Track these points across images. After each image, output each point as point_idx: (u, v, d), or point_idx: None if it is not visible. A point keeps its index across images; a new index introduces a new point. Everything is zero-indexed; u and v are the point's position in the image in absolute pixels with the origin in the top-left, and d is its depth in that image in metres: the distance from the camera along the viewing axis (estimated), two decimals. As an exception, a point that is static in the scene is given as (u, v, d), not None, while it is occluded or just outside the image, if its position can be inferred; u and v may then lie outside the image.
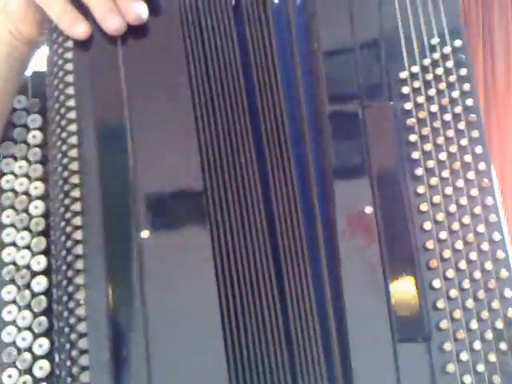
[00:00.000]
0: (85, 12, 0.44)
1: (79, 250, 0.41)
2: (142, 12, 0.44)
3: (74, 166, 0.42)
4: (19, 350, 0.44)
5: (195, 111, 0.44)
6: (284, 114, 0.45)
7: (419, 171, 0.44)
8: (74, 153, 0.43)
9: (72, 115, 0.43)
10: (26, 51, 0.48)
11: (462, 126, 0.45)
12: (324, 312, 0.42)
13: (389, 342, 0.41)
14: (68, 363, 0.39)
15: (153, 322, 0.39)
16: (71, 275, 0.40)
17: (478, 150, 0.45)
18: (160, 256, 0.40)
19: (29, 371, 0.43)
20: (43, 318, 0.44)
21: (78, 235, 0.42)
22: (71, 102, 0.43)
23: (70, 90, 0.43)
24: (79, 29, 0.44)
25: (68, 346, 0.39)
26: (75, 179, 0.42)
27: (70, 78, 0.44)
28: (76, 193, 0.43)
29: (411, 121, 0.45)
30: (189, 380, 0.39)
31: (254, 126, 0.45)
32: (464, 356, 0.41)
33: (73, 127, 0.43)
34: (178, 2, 0.45)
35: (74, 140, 0.44)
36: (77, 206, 0.42)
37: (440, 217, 0.43)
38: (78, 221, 0.42)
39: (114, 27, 0.44)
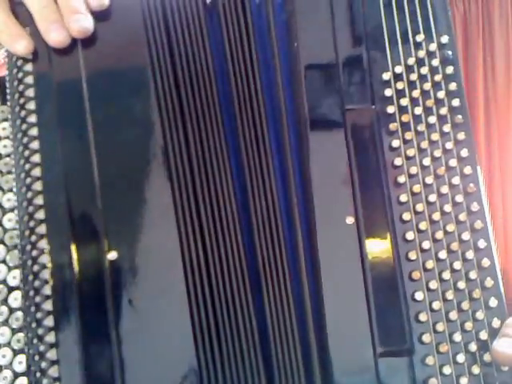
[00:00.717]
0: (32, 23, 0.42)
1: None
2: (85, 24, 0.41)
3: (38, 185, 0.41)
4: (0, 368, 0.44)
5: (162, 117, 0.42)
6: (264, 122, 0.43)
7: (402, 178, 0.42)
8: (37, 172, 0.42)
9: (34, 132, 0.41)
10: None
11: (447, 128, 0.43)
12: (304, 325, 0.41)
13: (370, 356, 0.40)
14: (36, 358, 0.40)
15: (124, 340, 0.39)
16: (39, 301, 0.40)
17: (464, 153, 0.43)
18: (129, 276, 0.39)
19: (10, 389, 0.43)
20: (21, 335, 0.44)
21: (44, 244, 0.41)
22: (32, 119, 0.41)
23: (32, 106, 0.41)
24: (20, 45, 0.42)
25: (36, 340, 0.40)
26: (39, 200, 0.40)
27: (31, 105, 0.43)
28: (40, 213, 0.42)
29: (394, 125, 0.43)
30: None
31: (230, 133, 0.43)
32: (447, 370, 0.40)
33: (35, 145, 0.41)
34: (141, 2, 0.42)
35: (36, 158, 0.42)
36: (40, 214, 0.42)
37: (423, 225, 0.42)
38: (43, 229, 0.41)
39: (56, 40, 0.41)
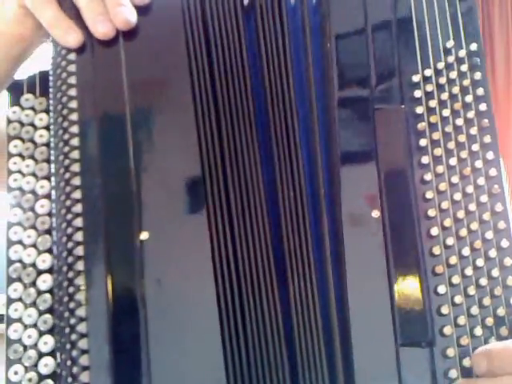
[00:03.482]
0: (78, 18, 0.44)
1: (80, 251, 0.41)
2: (129, 17, 0.44)
3: (76, 167, 0.42)
4: (25, 347, 0.45)
5: (196, 111, 0.44)
6: (295, 117, 0.45)
7: (428, 176, 0.43)
8: (75, 154, 0.44)
9: (74, 117, 0.43)
10: (21, 51, 0.49)
11: (474, 131, 0.44)
12: (328, 315, 0.42)
13: (391, 346, 0.40)
14: (69, 363, 0.40)
15: (153, 325, 0.40)
16: (72, 276, 0.41)
17: (490, 155, 0.44)
18: (159, 258, 0.41)
19: (34, 368, 0.44)
20: (48, 316, 0.45)
21: (79, 236, 0.42)
22: (73, 104, 0.43)
23: (73, 92, 0.43)
24: (71, 38, 0.44)
25: (69, 345, 0.40)
26: (76, 180, 0.42)
27: (73, 92, 0.45)
28: (77, 194, 0.43)
29: (422, 125, 0.44)
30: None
31: (261, 127, 0.44)
32: (467, 362, 0.40)
33: (74, 129, 0.43)
34: (182, 2, 0.45)
35: (75, 142, 0.44)
36: (78, 208, 0.43)
37: (447, 222, 0.42)
38: (78, 222, 0.42)
39: (102, 32, 0.44)
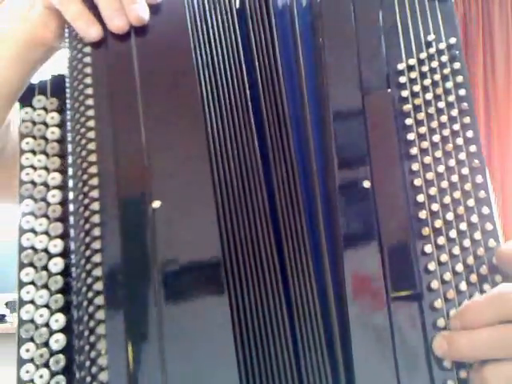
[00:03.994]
0: (96, 14, 0.49)
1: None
2: (142, 13, 0.48)
3: (94, 169, 0.46)
4: (36, 326, 0.46)
5: (203, 100, 0.48)
6: (287, 110, 0.49)
7: (414, 151, 0.47)
8: (92, 146, 0.48)
9: (90, 102, 0.47)
10: (41, 55, 0.53)
11: (454, 113, 0.48)
12: (323, 280, 0.45)
13: (384, 300, 0.43)
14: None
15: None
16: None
17: (470, 134, 0.48)
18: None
19: (45, 344, 0.46)
20: (59, 296, 0.47)
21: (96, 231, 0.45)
22: (90, 101, 0.47)
23: (89, 91, 0.48)
24: (93, 30, 0.49)
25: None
26: (94, 180, 0.46)
27: (88, 80, 0.49)
28: (94, 181, 0.47)
29: (407, 107, 0.48)
30: None
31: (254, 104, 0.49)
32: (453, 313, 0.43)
33: (90, 112, 0.47)
34: (187, 2, 0.50)
35: (92, 134, 0.48)
36: (95, 193, 0.46)
37: (433, 191, 0.46)
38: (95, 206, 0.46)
39: (117, 26, 0.48)
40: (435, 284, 0.43)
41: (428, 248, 0.44)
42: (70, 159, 0.49)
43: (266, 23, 0.51)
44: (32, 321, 0.47)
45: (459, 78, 0.50)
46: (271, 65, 0.49)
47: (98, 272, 0.44)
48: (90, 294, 0.44)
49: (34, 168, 0.52)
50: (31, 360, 0.46)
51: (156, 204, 0.44)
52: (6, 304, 2.49)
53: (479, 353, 0.41)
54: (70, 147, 0.49)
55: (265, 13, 0.51)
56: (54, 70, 0.55)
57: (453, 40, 0.51)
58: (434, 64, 0.50)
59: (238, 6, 0.52)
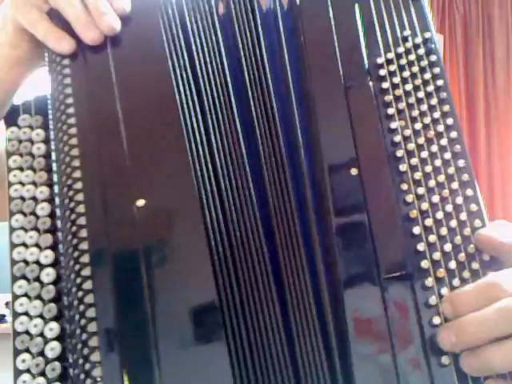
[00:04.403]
0: (68, 30, 0.51)
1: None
2: (113, 23, 0.50)
3: (78, 184, 0.48)
4: (31, 336, 0.47)
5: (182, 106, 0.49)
6: (274, 104, 0.50)
7: (397, 138, 0.49)
8: (75, 151, 0.49)
9: (71, 110, 0.48)
10: (18, 74, 0.55)
11: (434, 102, 0.50)
12: (315, 271, 0.45)
13: (377, 280, 0.44)
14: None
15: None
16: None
17: (450, 121, 0.50)
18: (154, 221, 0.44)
19: (41, 353, 0.46)
20: (52, 305, 0.47)
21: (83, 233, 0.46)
22: (70, 100, 0.48)
23: (68, 90, 0.49)
24: (64, 45, 0.50)
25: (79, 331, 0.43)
26: (79, 196, 0.47)
27: (68, 90, 0.50)
28: (79, 188, 0.48)
29: (388, 97, 0.50)
30: None
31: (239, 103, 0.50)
32: (445, 291, 0.44)
33: (72, 120, 0.48)
34: (160, 10, 0.51)
35: (75, 152, 0.49)
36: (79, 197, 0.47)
37: (417, 176, 0.47)
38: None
39: (91, 38, 0.50)
40: (425, 263, 0.44)
41: (416, 229, 0.45)
42: (55, 177, 0.50)
43: (253, 27, 0.52)
44: (27, 332, 0.47)
45: (436, 70, 0.51)
46: (259, 68, 0.51)
47: (88, 285, 0.45)
48: (82, 307, 0.45)
49: (22, 184, 0.53)
50: (27, 370, 0.46)
51: (140, 203, 0.45)
52: (6, 304, 2.44)
53: (487, 330, 0.41)
54: (54, 165, 0.50)
55: (251, 17, 0.53)
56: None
57: (428, 34, 0.52)
58: (412, 57, 0.51)
59: (222, 10, 0.53)
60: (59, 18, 0.50)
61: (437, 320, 0.44)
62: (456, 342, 0.42)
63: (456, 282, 0.44)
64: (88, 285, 0.45)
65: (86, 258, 0.46)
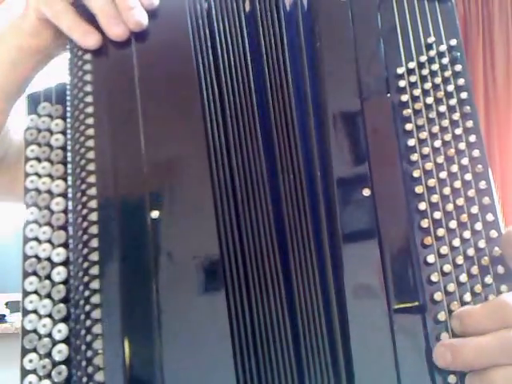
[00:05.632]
0: (93, 22, 0.48)
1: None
2: (140, 18, 0.47)
3: (92, 178, 0.46)
4: (39, 336, 0.46)
5: (204, 109, 0.47)
6: (293, 110, 0.48)
7: (415, 157, 0.46)
8: (91, 155, 0.47)
9: (90, 110, 0.46)
10: (36, 63, 0.53)
11: (456, 117, 0.47)
12: (325, 278, 0.44)
13: (386, 312, 0.42)
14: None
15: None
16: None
17: (472, 138, 0.47)
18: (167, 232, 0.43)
19: (48, 355, 0.45)
20: (62, 305, 0.47)
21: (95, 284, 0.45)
22: (89, 99, 0.46)
23: (89, 99, 0.47)
24: (90, 39, 0.48)
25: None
26: (92, 190, 0.46)
27: (88, 88, 0.48)
28: (92, 191, 0.46)
29: (407, 111, 0.47)
30: None
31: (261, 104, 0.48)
32: None
33: (90, 120, 0.46)
34: (188, 7, 0.49)
35: (91, 143, 0.47)
36: (92, 203, 0.46)
37: (434, 198, 0.45)
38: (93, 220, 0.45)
39: (116, 33, 0.47)
40: (439, 296, 0.42)
41: (431, 258, 0.43)
42: (69, 168, 0.49)
43: (277, 27, 0.49)
44: (35, 331, 0.46)
45: (461, 81, 0.48)
46: (281, 71, 0.48)
47: (95, 285, 0.44)
48: (88, 307, 0.44)
49: (39, 175, 0.52)
50: (34, 371, 0.45)
51: (155, 214, 0.43)
52: (6, 304, 2.49)
53: (486, 360, 0.40)
54: (69, 155, 0.49)
55: (275, 16, 0.50)
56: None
57: (453, 42, 0.49)
58: (435, 67, 0.48)
59: (248, 9, 0.50)
60: (84, 8, 0.48)
61: (445, 336, 0.42)
62: (451, 362, 0.41)
63: (467, 296, 0.42)
64: (95, 284, 0.44)
65: (95, 257, 0.45)
